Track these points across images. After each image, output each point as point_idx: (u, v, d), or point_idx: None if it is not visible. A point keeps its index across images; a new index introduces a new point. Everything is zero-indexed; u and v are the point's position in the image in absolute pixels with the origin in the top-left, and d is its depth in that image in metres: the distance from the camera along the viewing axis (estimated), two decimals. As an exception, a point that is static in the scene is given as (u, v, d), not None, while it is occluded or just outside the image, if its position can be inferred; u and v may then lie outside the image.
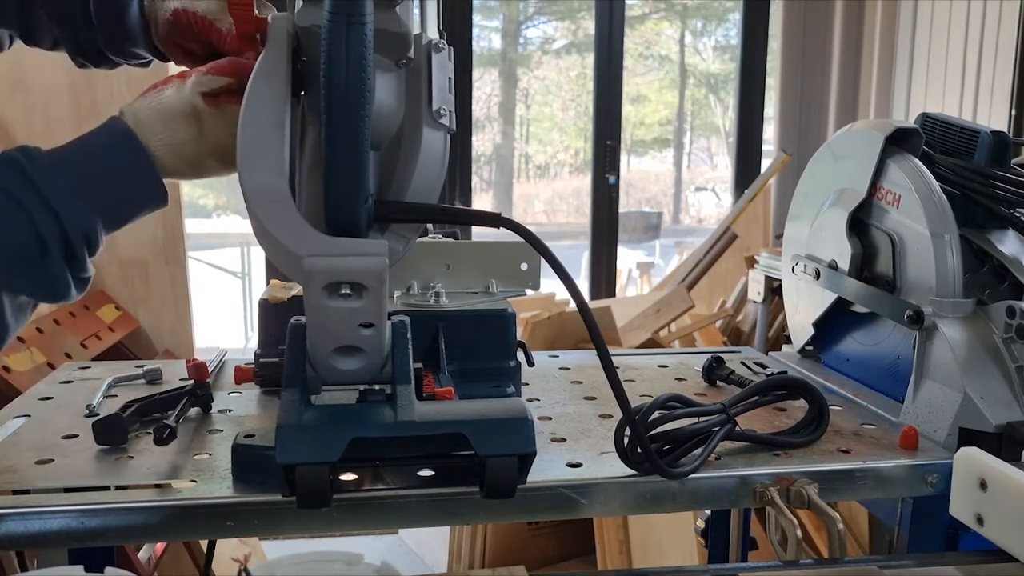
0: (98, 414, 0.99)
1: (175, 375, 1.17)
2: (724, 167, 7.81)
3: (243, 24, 0.76)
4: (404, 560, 2.81)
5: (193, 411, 1.01)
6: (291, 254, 0.67)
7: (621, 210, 3.83)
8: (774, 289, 2.43)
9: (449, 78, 0.77)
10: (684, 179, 8.79)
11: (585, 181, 4.06)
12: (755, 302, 2.58)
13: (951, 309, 1.00)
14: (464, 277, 1.12)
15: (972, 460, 0.82)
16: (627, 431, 0.82)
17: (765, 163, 3.96)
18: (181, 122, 0.78)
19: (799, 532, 0.80)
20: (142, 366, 1.16)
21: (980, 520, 0.81)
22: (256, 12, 0.75)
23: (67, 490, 0.78)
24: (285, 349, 0.73)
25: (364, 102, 0.65)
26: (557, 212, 8.56)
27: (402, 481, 0.81)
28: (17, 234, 0.71)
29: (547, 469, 0.85)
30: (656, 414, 0.86)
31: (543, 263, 0.98)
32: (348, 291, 0.67)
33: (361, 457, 0.72)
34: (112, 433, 0.89)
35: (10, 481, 0.80)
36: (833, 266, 1.19)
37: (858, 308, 1.17)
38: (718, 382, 1.18)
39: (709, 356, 1.20)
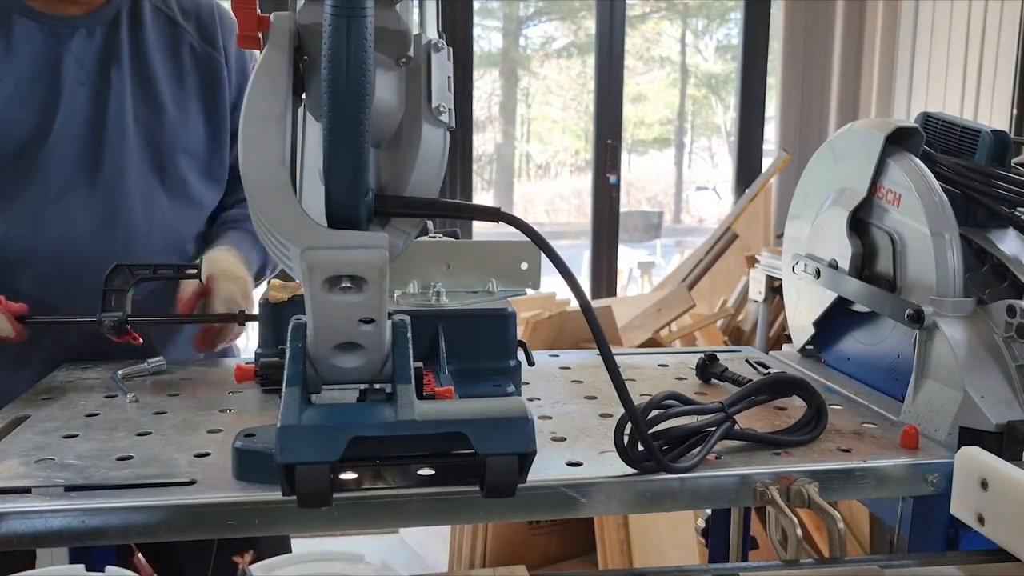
0: (97, 414, 0.99)
1: (176, 375, 1.17)
2: (725, 167, 7.81)
3: (246, 23, 0.76)
4: (404, 560, 2.81)
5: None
6: (291, 247, 0.67)
7: (622, 209, 3.83)
8: (775, 288, 2.43)
9: (448, 77, 0.77)
10: (685, 178, 8.79)
11: (586, 181, 4.06)
12: (756, 301, 2.58)
13: (951, 308, 1.00)
14: (464, 276, 1.12)
15: (973, 459, 0.82)
16: (627, 430, 0.82)
17: (766, 162, 3.95)
18: None
19: (799, 531, 0.80)
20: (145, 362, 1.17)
21: (981, 519, 0.81)
22: (258, 11, 0.75)
23: (67, 489, 0.78)
24: (285, 348, 0.73)
25: (365, 93, 0.65)
26: (558, 211, 8.56)
27: (402, 480, 0.81)
28: None
29: (547, 468, 0.85)
30: (653, 412, 0.86)
31: (543, 262, 0.98)
32: (348, 284, 0.67)
33: (361, 456, 0.72)
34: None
35: (11, 480, 0.80)
36: (833, 265, 1.19)
37: (858, 307, 1.17)
38: (713, 380, 1.18)
39: (703, 354, 1.20)
